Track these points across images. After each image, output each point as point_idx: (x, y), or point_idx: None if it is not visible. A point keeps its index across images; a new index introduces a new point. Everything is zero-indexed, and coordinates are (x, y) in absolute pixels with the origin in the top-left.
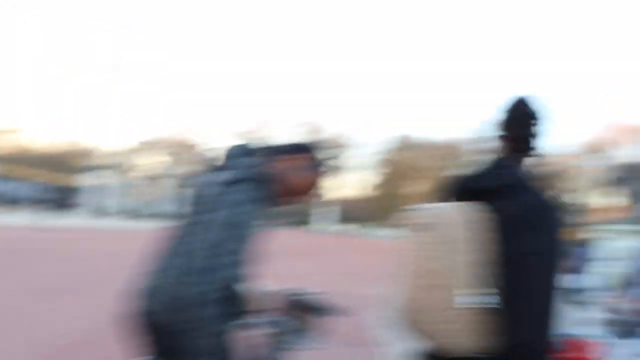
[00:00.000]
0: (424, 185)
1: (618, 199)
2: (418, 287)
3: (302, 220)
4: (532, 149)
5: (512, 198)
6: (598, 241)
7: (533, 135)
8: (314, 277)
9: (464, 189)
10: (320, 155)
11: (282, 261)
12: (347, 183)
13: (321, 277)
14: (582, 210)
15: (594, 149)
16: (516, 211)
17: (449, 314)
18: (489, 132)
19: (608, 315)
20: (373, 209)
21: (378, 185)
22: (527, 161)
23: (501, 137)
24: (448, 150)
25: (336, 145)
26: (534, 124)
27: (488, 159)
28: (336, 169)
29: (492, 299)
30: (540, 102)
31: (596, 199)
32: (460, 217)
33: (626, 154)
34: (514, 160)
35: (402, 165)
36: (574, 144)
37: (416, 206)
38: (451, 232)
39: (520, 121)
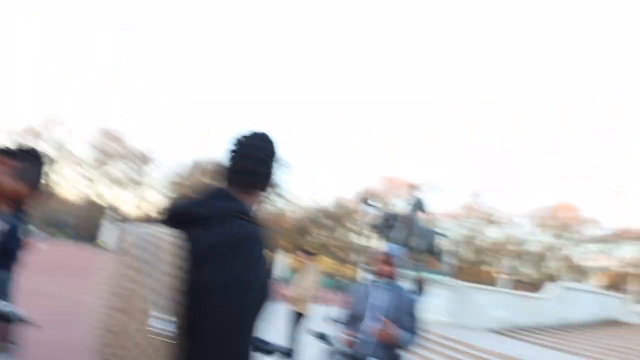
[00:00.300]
0: None
1: (381, 244)
2: (107, 309)
3: (89, 236)
4: (256, 183)
5: (215, 229)
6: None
7: (258, 170)
8: (69, 293)
9: (174, 214)
10: (36, 164)
11: (41, 277)
12: (139, 200)
13: (75, 293)
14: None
15: (369, 197)
16: (213, 242)
17: (131, 339)
18: (222, 160)
19: (339, 348)
20: None
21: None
22: (249, 195)
23: (227, 167)
24: None
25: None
26: (261, 160)
27: (210, 186)
28: (135, 184)
29: (174, 327)
30: (273, 139)
31: (371, 242)
32: (158, 243)
33: (397, 204)
34: (231, 192)
35: (192, 189)
36: (353, 191)
37: (124, 226)
38: (144, 257)
39: (245, 155)
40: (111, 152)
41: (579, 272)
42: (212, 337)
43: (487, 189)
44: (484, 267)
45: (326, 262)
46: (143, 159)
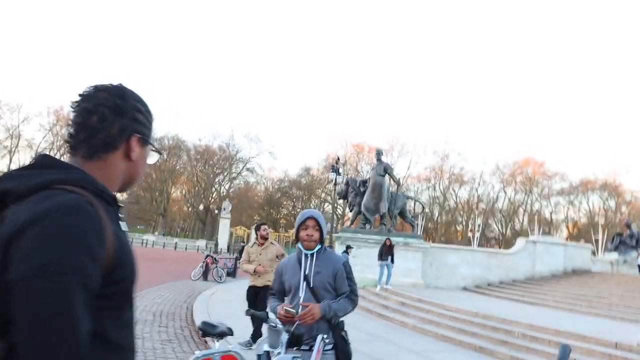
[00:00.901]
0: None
1: (350, 210)
2: None
3: None
4: (100, 145)
5: (25, 206)
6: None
7: (99, 128)
8: None
9: None
10: None
11: None
12: None
13: None
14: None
15: (337, 165)
16: (19, 221)
17: None
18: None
19: (279, 325)
20: None
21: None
22: (95, 160)
23: (68, 128)
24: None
25: None
26: (105, 115)
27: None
28: None
29: None
30: (127, 92)
31: (340, 209)
32: None
33: (365, 170)
34: (58, 159)
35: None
36: (321, 160)
37: None
38: None
39: (86, 110)
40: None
41: (548, 225)
42: (24, 336)
43: (454, 150)
44: (456, 227)
45: None
46: None
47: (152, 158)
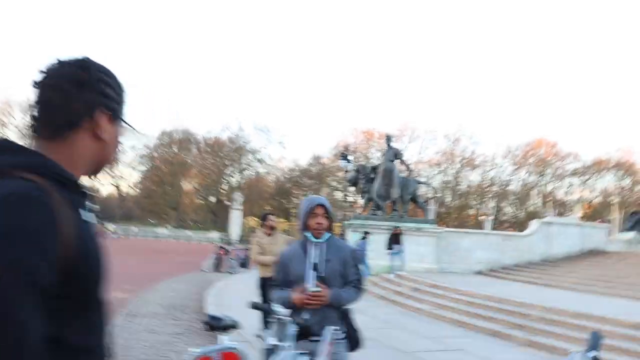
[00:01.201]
0: (193, 182)
1: (361, 197)
2: None
3: None
4: (64, 123)
5: None
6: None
7: (61, 105)
8: None
9: None
10: None
11: None
12: (115, 178)
13: None
14: None
15: (346, 152)
16: None
17: None
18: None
19: (285, 316)
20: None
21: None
22: (60, 141)
23: (30, 107)
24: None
25: None
26: (67, 91)
27: None
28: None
29: None
30: (93, 64)
31: (350, 197)
32: None
33: (374, 156)
34: (16, 142)
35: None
36: (329, 147)
37: None
38: None
39: (47, 86)
40: None
41: (563, 207)
42: None
43: (465, 133)
44: (469, 211)
45: None
46: None
47: (125, 135)
